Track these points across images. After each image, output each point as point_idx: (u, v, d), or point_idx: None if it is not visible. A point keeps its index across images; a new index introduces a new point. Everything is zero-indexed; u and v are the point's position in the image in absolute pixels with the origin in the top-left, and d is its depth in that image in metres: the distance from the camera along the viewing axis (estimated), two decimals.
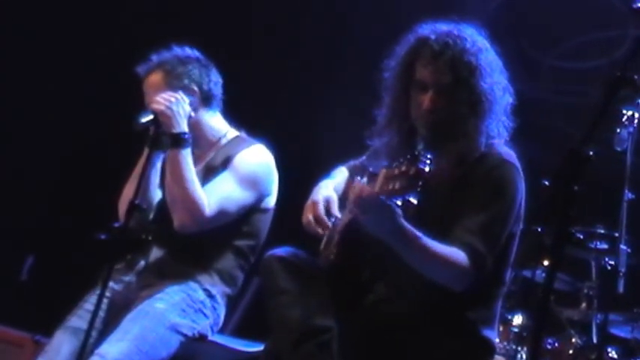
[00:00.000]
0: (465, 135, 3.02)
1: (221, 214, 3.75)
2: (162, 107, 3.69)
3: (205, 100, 3.94)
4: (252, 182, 3.83)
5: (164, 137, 3.72)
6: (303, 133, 5.97)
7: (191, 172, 3.71)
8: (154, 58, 3.94)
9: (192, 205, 3.68)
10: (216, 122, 4.00)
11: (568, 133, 5.40)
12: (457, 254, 2.87)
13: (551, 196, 2.42)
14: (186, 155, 3.72)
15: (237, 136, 4.00)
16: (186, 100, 3.77)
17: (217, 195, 3.74)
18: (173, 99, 3.72)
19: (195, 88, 3.90)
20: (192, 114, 3.80)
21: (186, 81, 3.89)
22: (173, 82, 3.86)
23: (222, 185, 3.78)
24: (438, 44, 3.02)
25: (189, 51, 3.97)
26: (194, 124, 3.87)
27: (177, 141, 3.71)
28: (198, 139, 3.93)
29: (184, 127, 3.73)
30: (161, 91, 3.81)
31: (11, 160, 6.08)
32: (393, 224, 2.78)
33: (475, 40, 3.07)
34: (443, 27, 3.08)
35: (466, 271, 2.88)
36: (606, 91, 2.50)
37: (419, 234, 2.83)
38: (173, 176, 3.72)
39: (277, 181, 3.97)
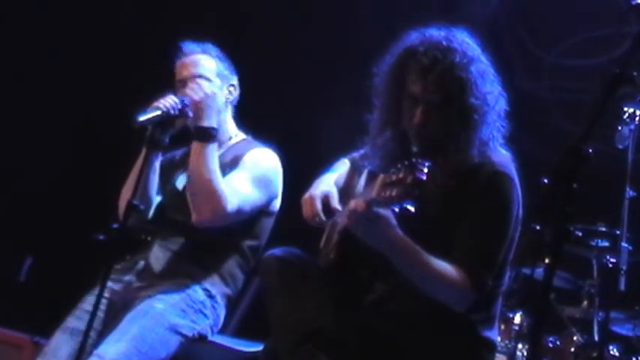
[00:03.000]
0: (457, 148, 3.00)
1: (239, 212, 3.75)
2: (201, 96, 3.72)
3: (233, 101, 4.02)
4: (264, 183, 3.85)
5: (162, 137, 3.73)
6: (304, 134, 5.97)
7: (216, 164, 3.70)
8: (200, 44, 3.99)
9: (214, 198, 3.66)
10: (231, 125, 4.04)
11: (569, 130, 5.39)
12: (457, 274, 2.86)
13: (551, 193, 2.40)
14: (214, 149, 3.73)
15: (244, 139, 4.04)
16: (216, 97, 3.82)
17: (239, 193, 3.74)
18: (211, 91, 3.78)
19: (235, 84, 4.00)
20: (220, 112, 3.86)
21: (230, 75, 3.99)
22: (222, 70, 3.96)
23: (242, 184, 3.78)
24: (427, 58, 2.96)
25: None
26: (217, 116, 3.91)
27: (207, 135, 3.72)
28: None
29: (215, 122, 3.76)
30: (209, 70, 3.91)
31: (10, 162, 6.08)
32: (388, 239, 2.80)
33: (465, 50, 3.00)
34: (432, 35, 3.02)
35: (467, 292, 2.87)
36: (605, 88, 2.49)
37: (418, 249, 2.83)
38: (199, 168, 3.69)
39: (282, 185, 3.98)
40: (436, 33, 3.03)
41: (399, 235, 2.81)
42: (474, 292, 2.87)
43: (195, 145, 3.74)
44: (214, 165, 3.69)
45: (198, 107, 3.71)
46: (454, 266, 2.87)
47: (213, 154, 3.71)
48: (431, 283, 2.88)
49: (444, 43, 2.98)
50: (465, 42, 3.03)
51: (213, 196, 3.66)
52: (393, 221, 2.80)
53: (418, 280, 2.88)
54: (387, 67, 3.10)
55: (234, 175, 3.80)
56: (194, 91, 3.73)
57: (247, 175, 3.81)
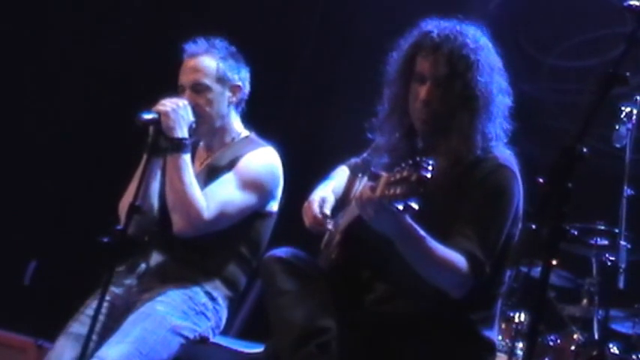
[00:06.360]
0: (460, 130, 3.04)
1: (221, 217, 3.75)
2: (167, 109, 3.68)
3: (239, 101, 3.98)
4: (255, 185, 3.82)
5: (163, 142, 3.71)
6: (307, 134, 5.99)
7: (190, 176, 3.71)
8: (206, 42, 3.93)
9: (190, 209, 3.68)
10: (237, 125, 4.01)
11: (567, 130, 5.41)
12: (458, 260, 2.88)
13: (546, 193, 2.43)
14: (187, 160, 3.73)
15: (246, 137, 4.01)
16: (189, 107, 3.78)
17: (217, 198, 3.74)
18: (181, 104, 3.73)
19: (240, 85, 3.95)
20: (194, 125, 3.80)
21: (235, 75, 3.93)
22: (225, 73, 3.90)
23: (224, 188, 3.78)
24: (439, 37, 3.06)
25: (236, 50, 4.00)
26: (219, 121, 3.92)
27: (178, 146, 3.71)
28: (214, 136, 3.97)
29: (185, 133, 3.73)
30: (209, 75, 3.86)
31: (13, 164, 6.09)
32: (396, 225, 2.79)
33: (477, 37, 3.10)
34: (446, 23, 3.12)
35: (465, 278, 2.89)
36: (599, 88, 2.52)
37: (424, 235, 2.84)
38: (172, 181, 3.72)
39: (282, 186, 3.95)
40: (450, 22, 3.13)
41: (407, 218, 2.80)
42: (472, 277, 2.89)
43: (168, 158, 3.75)
44: (188, 176, 3.71)
45: (168, 119, 3.68)
46: (454, 251, 2.88)
47: (187, 165, 3.72)
48: (433, 267, 2.87)
49: (457, 28, 3.09)
50: (478, 33, 3.12)
51: (188, 207, 3.68)
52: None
53: (421, 263, 2.88)
54: (401, 52, 3.17)
55: (222, 179, 3.81)
56: (162, 106, 3.70)
57: (235, 179, 3.80)
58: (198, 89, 3.87)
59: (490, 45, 3.13)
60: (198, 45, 3.92)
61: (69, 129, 6.16)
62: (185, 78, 3.90)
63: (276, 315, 3.02)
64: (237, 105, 3.99)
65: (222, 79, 3.90)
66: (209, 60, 3.89)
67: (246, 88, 4.00)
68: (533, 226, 2.47)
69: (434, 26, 3.11)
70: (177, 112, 3.70)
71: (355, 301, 3.13)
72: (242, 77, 3.97)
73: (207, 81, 3.87)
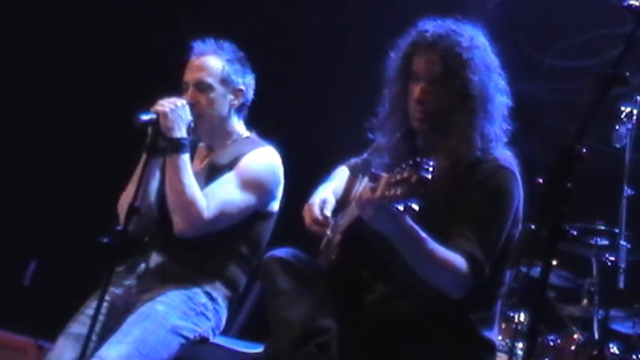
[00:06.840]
0: (458, 129, 3.05)
1: (221, 217, 3.75)
2: (166, 109, 3.69)
3: (241, 106, 3.98)
4: (255, 185, 3.83)
5: (161, 142, 3.71)
6: (307, 134, 5.98)
7: (189, 176, 3.72)
8: (214, 43, 3.94)
9: (190, 209, 3.69)
10: (239, 127, 4.01)
11: (567, 130, 5.41)
12: (458, 261, 2.88)
13: (546, 193, 2.44)
14: (186, 160, 3.73)
15: (247, 137, 4.01)
16: (187, 107, 3.79)
17: (218, 198, 3.74)
18: (179, 104, 3.73)
19: (243, 89, 3.95)
20: (192, 124, 3.81)
21: (240, 79, 3.94)
22: (229, 75, 3.91)
23: (224, 188, 3.79)
24: (433, 36, 3.07)
25: (244, 56, 4.01)
26: (220, 123, 3.92)
27: (177, 146, 3.71)
28: (214, 137, 3.97)
29: (184, 132, 3.74)
30: (214, 75, 3.87)
31: (13, 164, 6.10)
32: (396, 225, 2.80)
33: (472, 37, 3.10)
34: (444, 23, 3.13)
35: (465, 279, 2.90)
36: (598, 88, 2.53)
37: (425, 236, 2.84)
38: (171, 181, 3.73)
39: (282, 185, 3.95)
40: (447, 21, 3.14)
41: (407, 219, 2.81)
42: (472, 278, 2.90)
43: (167, 159, 3.75)
44: (187, 177, 3.71)
45: (167, 119, 3.68)
46: (454, 252, 2.89)
47: (186, 166, 3.72)
48: (433, 267, 2.88)
49: (453, 27, 3.11)
50: (475, 33, 3.13)
51: (188, 207, 3.69)
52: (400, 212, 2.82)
53: (420, 264, 2.89)
54: (398, 51, 3.19)
55: (222, 179, 3.81)
56: (161, 106, 3.71)
57: (236, 178, 3.80)
58: (202, 87, 3.88)
59: (487, 44, 3.14)
60: (207, 45, 3.94)
61: (69, 129, 6.17)
62: (190, 75, 3.92)
63: (276, 315, 3.02)
64: (239, 109, 3.99)
65: (226, 81, 3.91)
66: (215, 60, 3.91)
67: (250, 95, 4.00)
68: (533, 227, 2.48)
69: (430, 25, 3.12)
70: (176, 112, 3.70)
71: (355, 301, 3.14)
72: (246, 83, 3.97)
73: (211, 80, 3.88)
